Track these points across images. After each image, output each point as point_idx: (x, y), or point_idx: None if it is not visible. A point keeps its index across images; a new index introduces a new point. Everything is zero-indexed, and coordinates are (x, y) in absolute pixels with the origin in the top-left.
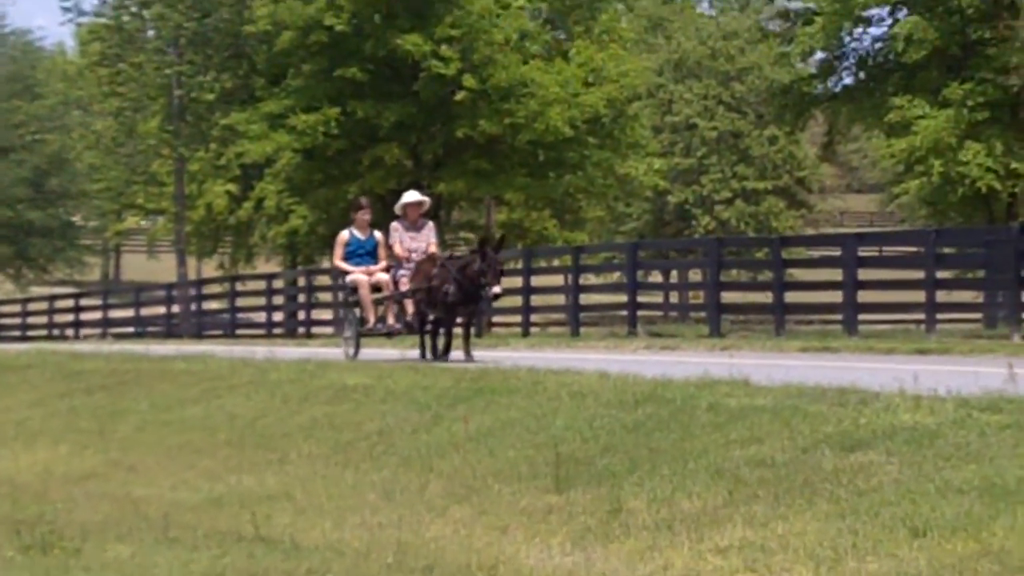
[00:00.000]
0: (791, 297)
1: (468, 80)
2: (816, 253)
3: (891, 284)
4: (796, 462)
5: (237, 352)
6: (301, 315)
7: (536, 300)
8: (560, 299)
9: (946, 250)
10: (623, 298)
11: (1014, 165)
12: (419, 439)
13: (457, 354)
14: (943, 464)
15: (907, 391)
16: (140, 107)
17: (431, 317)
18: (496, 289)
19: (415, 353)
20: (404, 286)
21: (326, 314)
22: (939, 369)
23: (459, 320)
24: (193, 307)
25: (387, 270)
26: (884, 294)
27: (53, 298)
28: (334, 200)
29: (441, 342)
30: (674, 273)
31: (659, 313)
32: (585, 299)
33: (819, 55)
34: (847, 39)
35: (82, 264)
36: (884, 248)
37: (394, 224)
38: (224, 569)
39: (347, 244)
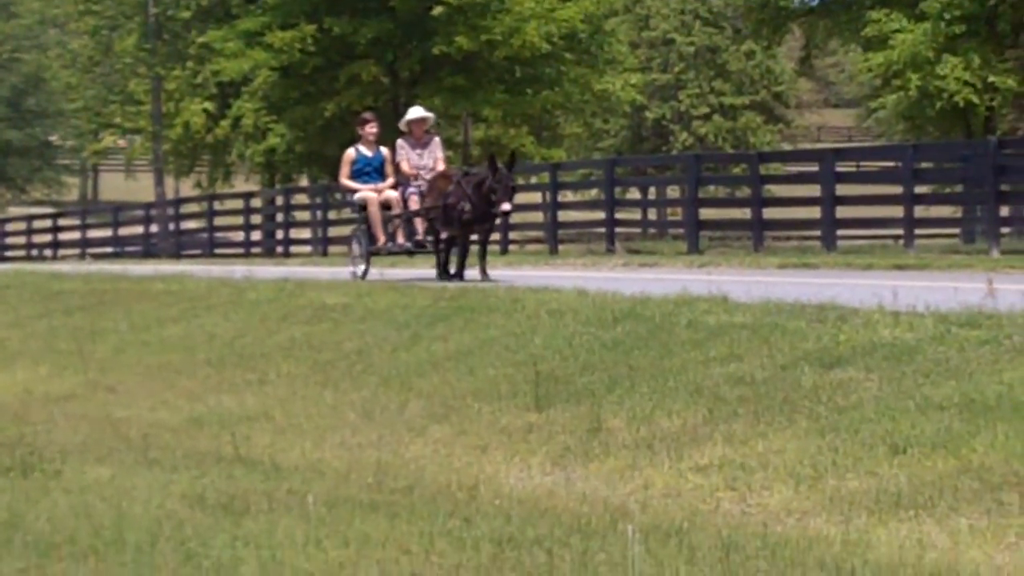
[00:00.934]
0: (769, 213)
1: None
2: (794, 169)
3: (869, 199)
4: (775, 379)
5: (215, 272)
6: (279, 234)
7: (514, 218)
8: (538, 217)
9: (924, 165)
10: (601, 215)
11: (992, 78)
12: (398, 358)
13: (472, 272)
14: (923, 380)
15: (886, 307)
16: (116, 25)
17: (444, 235)
18: (506, 206)
19: (422, 272)
20: (414, 204)
21: (304, 233)
22: (918, 285)
23: (474, 237)
24: (171, 226)
25: (395, 187)
26: (862, 209)
27: (31, 218)
28: (311, 118)
29: (456, 260)
30: (652, 190)
31: (637, 230)
32: (563, 216)
33: None
34: None
35: (60, 184)
36: (862, 163)
37: (399, 141)
38: (204, 490)
39: (354, 162)
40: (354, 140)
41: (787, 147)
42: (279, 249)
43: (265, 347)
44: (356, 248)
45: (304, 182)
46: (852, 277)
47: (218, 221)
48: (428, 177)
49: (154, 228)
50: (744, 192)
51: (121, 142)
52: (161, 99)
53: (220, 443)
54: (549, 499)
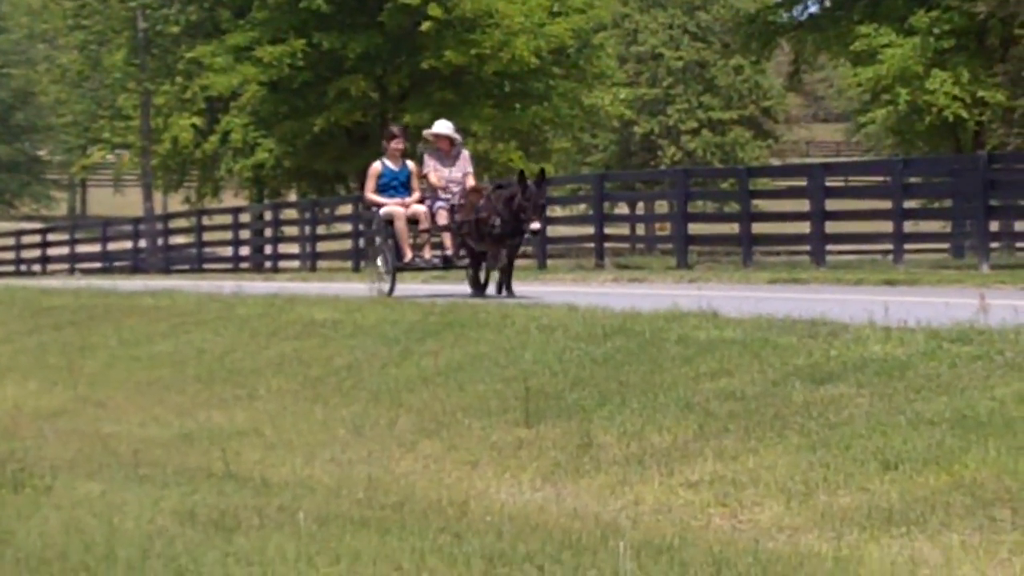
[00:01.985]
0: (758, 228)
1: (433, 10)
2: (783, 184)
3: (858, 214)
4: (766, 395)
5: (204, 287)
6: (268, 249)
7: None
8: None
9: (913, 180)
10: (590, 230)
11: (981, 93)
12: (388, 374)
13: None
14: (914, 396)
15: (877, 322)
16: (105, 40)
17: (476, 250)
18: (535, 225)
19: (450, 288)
20: (442, 218)
21: (293, 248)
22: (908, 300)
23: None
24: (160, 242)
25: (421, 201)
26: (851, 224)
27: (20, 233)
28: (300, 133)
29: (483, 275)
30: (641, 205)
31: (626, 245)
32: (552, 231)
33: None
34: None
35: (48, 199)
36: (851, 178)
37: (426, 154)
38: (194, 506)
39: (380, 176)
40: (379, 154)
41: (776, 162)
42: (268, 264)
43: (255, 363)
44: (381, 264)
45: (293, 197)
46: (842, 292)
47: (207, 236)
48: (456, 190)
49: (143, 243)
50: (733, 207)
51: (110, 157)
52: (150, 114)
53: (210, 459)
54: (540, 515)
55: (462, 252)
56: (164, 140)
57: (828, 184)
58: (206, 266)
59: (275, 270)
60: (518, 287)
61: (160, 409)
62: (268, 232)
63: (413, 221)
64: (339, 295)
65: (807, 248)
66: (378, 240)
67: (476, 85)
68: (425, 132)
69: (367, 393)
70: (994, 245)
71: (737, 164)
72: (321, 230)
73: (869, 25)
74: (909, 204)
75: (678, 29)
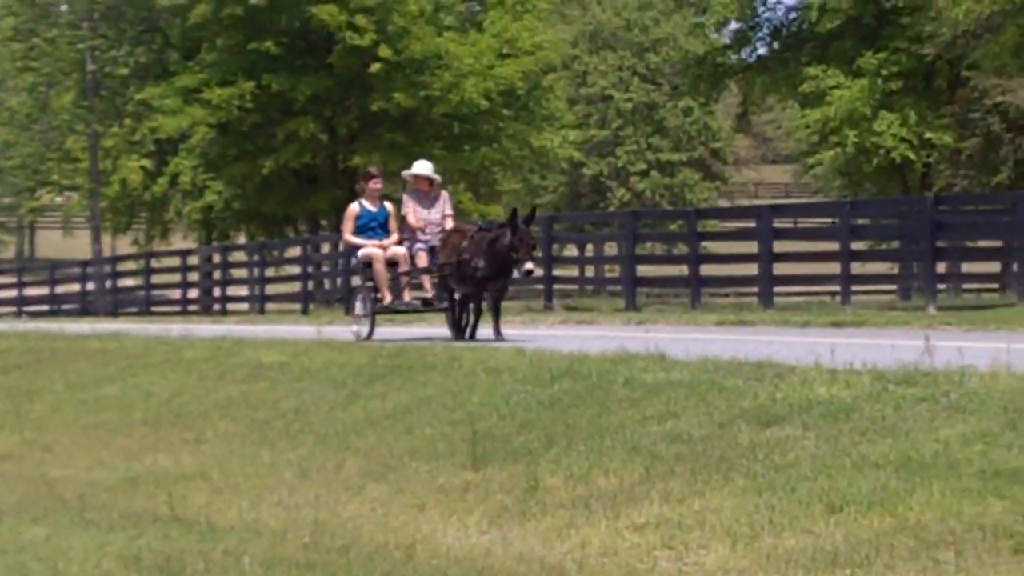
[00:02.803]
0: (706, 270)
1: (383, 51)
2: (731, 225)
3: (806, 256)
4: (712, 437)
5: (152, 330)
6: (217, 292)
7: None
8: None
9: (861, 221)
10: (539, 272)
11: (928, 135)
12: (335, 417)
13: (485, 331)
14: (859, 438)
15: (823, 364)
16: (54, 82)
17: (458, 293)
18: (528, 265)
19: (430, 331)
20: (422, 261)
21: (242, 290)
22: (855, 342)
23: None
24: (108, 284)
25: (400, 243)
26: (799, 266)
27: None
28: (249, 175)
29: (468, 319)
30: (589, 246)
31: (575, 287)
32: None
33: (733, 25)
34: (761, 9)
35: None
36: (799, 220)
37: (406, 195)
38: (140, 551)
39: (357, 217)
40: (356, 195)
41: (724, 204)
42: (216, 307)
43: (202, 406)
44: (359, 307)
45: (242, 239)
46: (789, 334)
47: (155, 279)
48: (436, 232)
49: (91, 286)
50: (681, 249)
51: (59, 199)
52: (98, 156)
53: (156, 503)
54: (486, 558)
55: (443, 295)
56: (113, 182)
57: (776, 226)
58: (154, 308)
59: (224, 312)
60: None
61: (106, 453)
62: (217, 274)
63: (392, 263)
64: (287, 338)
65: (755, 290)
66: (356, 283)
67: (425, 127)
68: (404, 173)
69: (314, 436)
70: (941, 287)
71: (686, 206)
72: (270, 272)
73: (817, 67)
74: (857, 246)
75: (627, 71)
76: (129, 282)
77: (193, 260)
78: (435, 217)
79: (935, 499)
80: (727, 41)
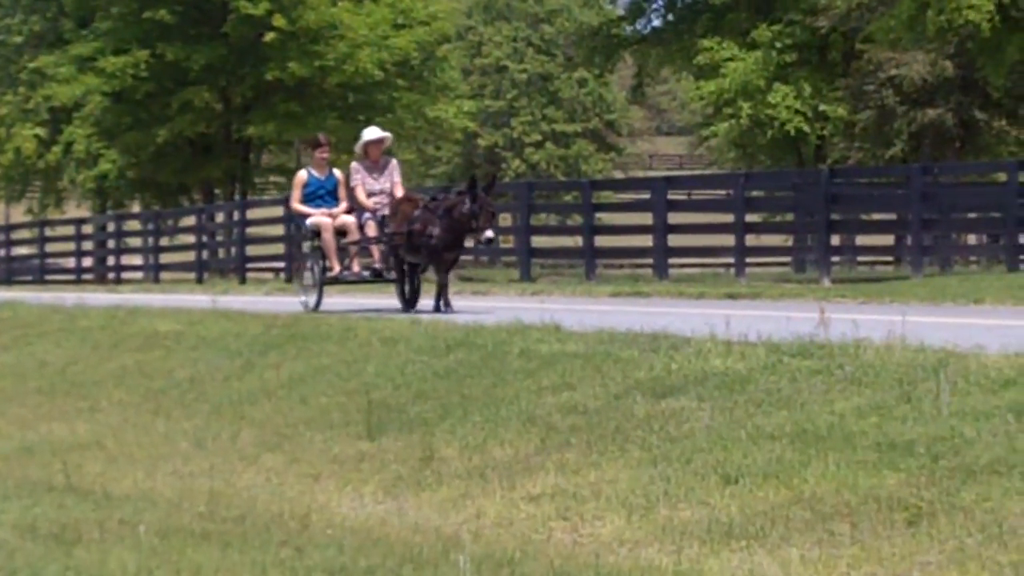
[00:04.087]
0: (601, 241)
1: (278, 21)
2: (626, 197)
3: (701, 228)
4: (608, 409)
5: (47, 298)
6: (111, 260)
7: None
8: None
9: (755, 193)
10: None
11: (823, 107)
12: (231, 387)
13: (428, 302)
14: (754, 410)
15: (718, 336)
16: None
17: (407, 263)
18: (489, 233)
19: (378, 302)
20: (371, 230)
21: (136, 259)
22: (750, 314)
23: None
24: (2, 253)
25: (349, 211)
26: (694, 238)
27: None
28: (143, 144)
29: (409, 289)
30: None
31: (469, 257)
32: None
33: None
34: None
35: None
36: (693, 192)
37: (354, 165)
38: (35, 519)
39: (305, 185)
40: (302, 163)
41: (619, 175)
42: (111, 276)
43: (97, 375)
44: (308, 277)
45: (136, 208)
46: (684, 306)
47: (49, 247)
48: (385, 201)
49: None
50: (576, 220)
51: None
52: None
53: (51, 472)
54: (381, 528)
55: (390, 263)
56: (7, 150)
57: (671, 197)
58: (48, 277)
59: (118, 281)
60: (361, 299)
61: (1, 422)
62: (111, 243)
63: (341, 232)
64: (182, 307)
65: (650, 261)
66: (305, 251)
67: (320, 97)
68: (356, 147)
69: (209, 406)
70: (835, 259)
71: (580, 177)
72: (164, 241)
73: (712, 39)
74: (751, 218)
75: (522, 42)
76: (23, 251)
77: (87, 229)
78: (384, 186)
79: (830, 471)
80: (622, 12)
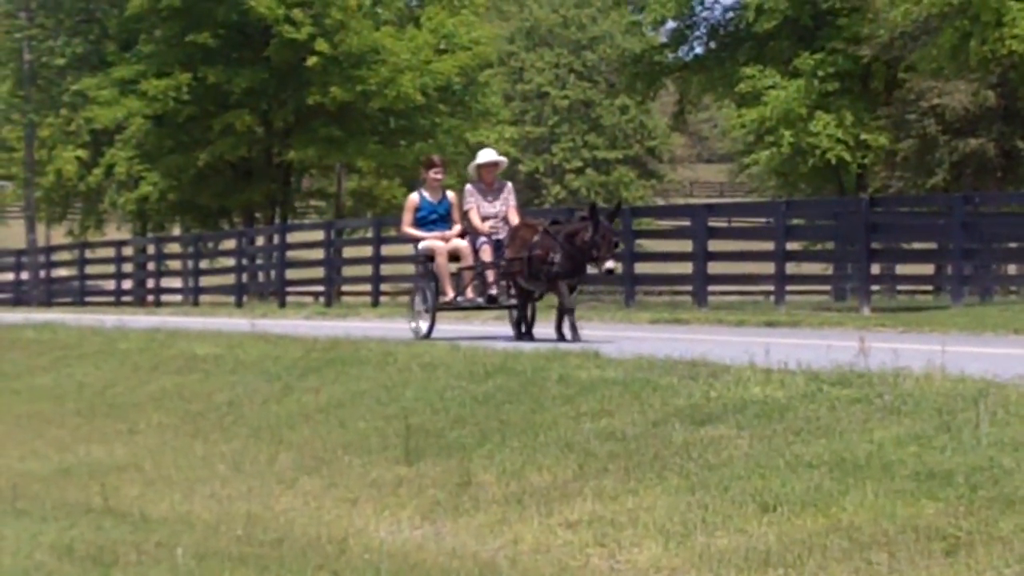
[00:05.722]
0: (641, 268)
1: (320, 45)
2: (666, 224)
3: (741, 256)
4: (646, 435)
5: (86, 320)
6: (151, 283)
7: (386, 269)
8: (410, 268)
9: (796, 222)
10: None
11: (864, 136)
12: (269, 410)
13: (548, 331)
14: (793, 438)
15: (757, 364)
16: None
17: (523, 290)
18: (610, 264)
19: (491, 330)
20: (486, 254)
21: (176, 282)
22: (789, 342)
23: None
24: (43, 274)
25: (463, 235)
26: (734, 265)
27: None
28: (184, 167)
29: (523, 316)
30: None
31: None
32: None
33: (670, 24)
34: (698, 8)
35: None
36: (734, 219)
37: (468, 188)
38: (72, 541)
39: (417, 208)
40: (415, 186)
41: (660, 202)
42: (150, 298)
43: (135, 397)
44: (419, 303)
45: (176, 231)
46: (723, 334)
47: (89, 269)
48: (500, 225)
49: (25, 275)
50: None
51: None
52: (34, 146)
53: (89, 494)
54: (418, 553)
55: (509, 290)
56: (48, 172)
57: (711, 225)
58: (88, 299)
59: (158, 304)
60: (401, 324)
61: (39, 443)
62: (151, 266)
63: (455, 257)
64: (221, 330)
65: (689, 288)
66: (416, 276)
67: (361, 121)
68: (470, 168)
69: (247, 429)
70: (875, 288)
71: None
72: (204, 264)
73: (754, 67)
74: (791, 246)
75: (564, 68)
76: (63, 272)
77: (127, 251)
78: (499, 210)
79: (868, 500)
80: (664, 40)
